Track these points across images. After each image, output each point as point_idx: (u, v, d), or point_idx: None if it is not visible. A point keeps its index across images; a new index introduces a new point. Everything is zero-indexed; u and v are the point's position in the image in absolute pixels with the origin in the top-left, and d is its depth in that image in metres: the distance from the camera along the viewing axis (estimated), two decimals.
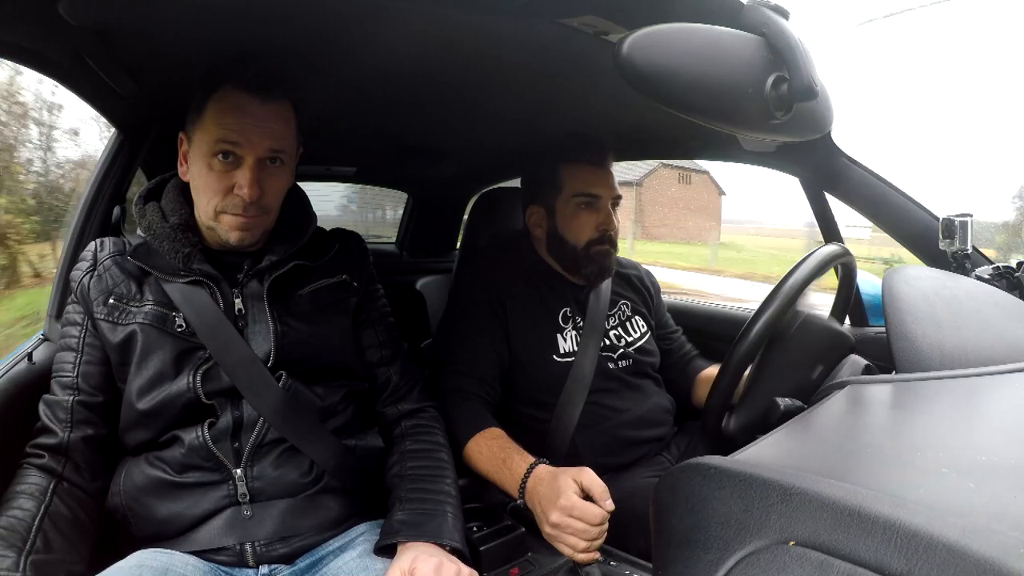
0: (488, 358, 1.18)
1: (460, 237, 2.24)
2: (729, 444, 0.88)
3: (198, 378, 0.86)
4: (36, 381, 0.93)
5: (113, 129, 1.18)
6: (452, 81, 1.08)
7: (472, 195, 2.08)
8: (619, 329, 1.28)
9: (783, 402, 0.83)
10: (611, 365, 1.23)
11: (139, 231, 0.93)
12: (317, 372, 0.94)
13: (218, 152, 0.86)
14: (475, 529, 0.97)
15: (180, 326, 0.88)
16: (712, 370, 1.35)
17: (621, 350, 1.25)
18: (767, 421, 0.84)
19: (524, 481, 0.95)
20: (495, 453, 1.02)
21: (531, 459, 0.98)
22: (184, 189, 0.94)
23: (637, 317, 1.33)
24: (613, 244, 1.23)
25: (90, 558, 0.82)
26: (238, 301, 0.90)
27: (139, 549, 0.82)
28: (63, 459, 0.85)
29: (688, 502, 0.47)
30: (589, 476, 0.90)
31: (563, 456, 1.15)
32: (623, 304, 1.31)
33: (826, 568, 0.37)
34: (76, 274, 0.92)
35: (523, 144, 1.59)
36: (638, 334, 1.30)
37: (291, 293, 0.94)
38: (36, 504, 0.79)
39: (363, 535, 0.89)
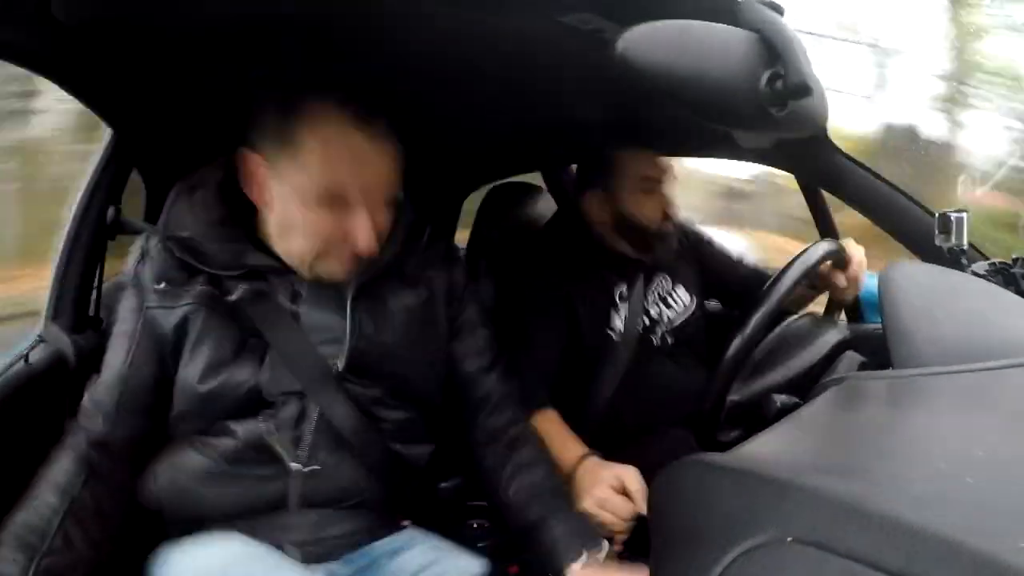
0: (552, 353, 1.19)
1: (470, 231, 2.24)
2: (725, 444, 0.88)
3: (260, 370, 0.82)
4: (31, 383, 0.93)
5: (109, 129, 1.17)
6: (449, 78, 1.08)
7: (468, 192, 2.08)
8: (659, 304, 1.29)
9: (779, 398, 0.83)
10: (655, 341, 1.26)
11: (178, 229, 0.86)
12: (388, 388, 0.88)
13: (328, 198, 0.77)
14: (475, 526, 0.97)
15: (236, 311, 0.82)
16: None
17: (661, 330, 1.27)
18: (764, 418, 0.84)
19: (573, 469, 0.96)
20: (552, 435, 1.01)
21: (585, 449, 0.99)
22: (222, 186, 0.86)
23: (679, 288, 1.33)
24: (674, 223, 1.28)
25: (113, 557, 0.81)
26: (298, 301, 0.84)
27: (170, 540, 0.80)
28: (103, 452, 0.81)
29: (685, 499, 0.48)
30: (632, 474, 0.90)
31: (599, 421, 1.17)
32: (661, 278, 1.32)
33: (823, 564, 0.37)
34: (130, 264, 0.86)
35: (520, 142, 1.59)
36: (681, 307, 1.31)
37: (372, 305, 0.87)
38: (61, 499, 0.76)
39: (416, 537, 0.88)
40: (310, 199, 0.77)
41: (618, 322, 1.24)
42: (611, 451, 1.08)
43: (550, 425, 1.04)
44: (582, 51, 0.84)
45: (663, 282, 1.32)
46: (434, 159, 1.83)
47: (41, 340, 1.07)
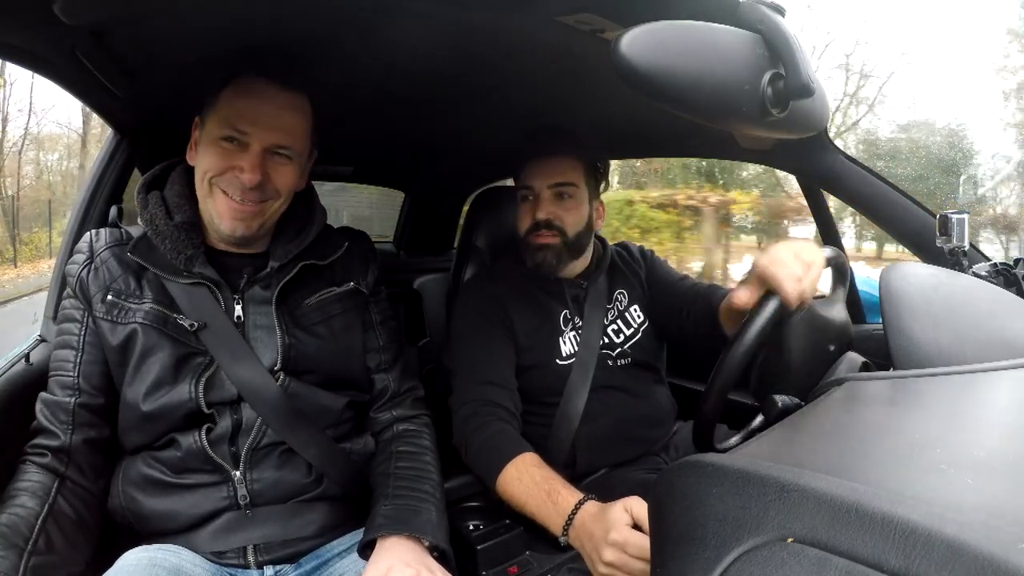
0: (508, 368, 1.17)
1: (458, 236, 2.24)
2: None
3: (200, 387, 0.85)
4: (33, 383, 0.93)
5: (110, 129, 1.17)
6: (449, 79, 1.08)
7: (470, 194, 2.08)
8: (618, 323, 1.27)
9: (781, 399, 0.83)
10: (610, 363, 1.23)
11: (139, 222, 0.90)
12: (322, 382, 0.93)
13: (227, 135, 0.85)
14: (473, 528, 0.97)
15: (181, 328, 0.86)
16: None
17: (619, 348, 1.25)
18: (765, 420, 0.84)
19: (571, 518, 0.90)
20: (538, 484, 0.96)
21: (579, 495, 0.92)
22: (189, 182, 0.92)
23: (635, 306, 1.30)
24: (559, 233, 1.19)
25: (91, 559, 0.82)
26: (237, 307, 0.89)
27: (130, 547, 0.82)
28: (66, 460, 0.83)
29: (686, 499, 0.47)
30: (640, 505, 0.84)
31: (566, 453, 1.15)
32: (619, 294, 1.29)
33: (824, 564, 0.37)
34: (72, 268, 0.89)
35: (521, 142, 1.59)
36: (636, 325, 1.28)
37: (299, 302, 0.93)
38: (39, 503, 0.78)
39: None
40: (216, 136, 0.86)
41: (566, 347, 1.21)
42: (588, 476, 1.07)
43: (535, 471, 0.98)
44: (582, 52, 0.84)
45: (620, 298, 1.29)
46: (437, 160, 1.83)
47: (42, 340, 1.07)
